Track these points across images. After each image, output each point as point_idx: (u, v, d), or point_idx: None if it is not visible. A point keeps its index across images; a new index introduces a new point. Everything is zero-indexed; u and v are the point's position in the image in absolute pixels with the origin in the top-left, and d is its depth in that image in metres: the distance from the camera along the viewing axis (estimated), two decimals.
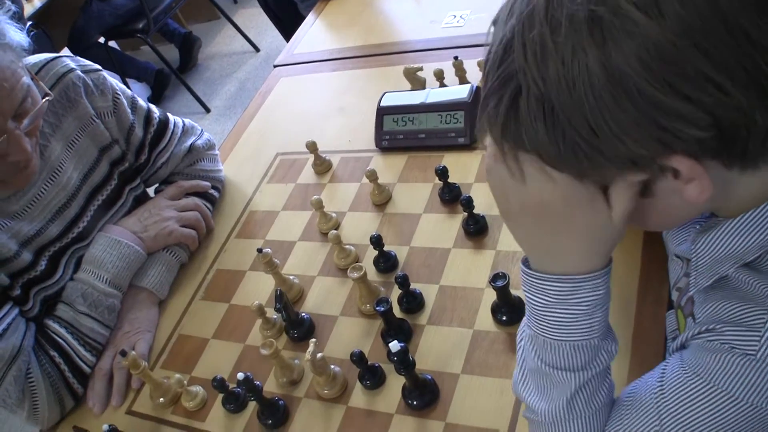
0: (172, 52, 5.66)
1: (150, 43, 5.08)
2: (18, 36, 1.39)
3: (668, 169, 0.75)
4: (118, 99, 1.74)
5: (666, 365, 0.90)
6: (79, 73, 1.67)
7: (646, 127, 0.70)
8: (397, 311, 1.44)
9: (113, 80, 1.77)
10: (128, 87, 5.13)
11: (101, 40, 5.26)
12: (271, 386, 1.44)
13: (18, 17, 1.43)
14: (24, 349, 1.51)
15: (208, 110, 5.25)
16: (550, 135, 0.74)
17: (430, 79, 1.96)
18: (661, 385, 0.88)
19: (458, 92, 1.80)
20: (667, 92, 0.68)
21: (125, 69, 5.34)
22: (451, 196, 1.63)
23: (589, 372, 0.92)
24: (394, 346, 1.19)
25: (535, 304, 0.93)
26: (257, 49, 5.77)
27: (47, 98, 1.46)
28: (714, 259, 0.86)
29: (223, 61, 5.86)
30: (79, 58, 1.72)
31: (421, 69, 1.96)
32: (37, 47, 1.49)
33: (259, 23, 5.89)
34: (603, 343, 0.92)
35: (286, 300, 1.46)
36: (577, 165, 0.77)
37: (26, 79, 1.40)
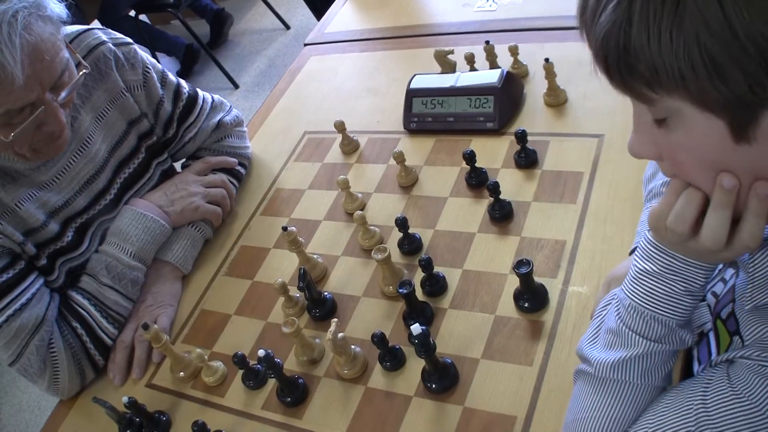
0: (202, 28, 5.65)
1: (180, 17, 5.09)
2: (57, 7, 1.40)
3: None
4: (148, 73, 1.75)
5: (711, 379, 0.89)
6: (111, 45, 1.67)
7: None
8: (419, 294, 1.44)
9: (144, 54, 1.77)
10: (158, 61, 5.16)
11: (132, 13, 5.28)
12: (291, 364, 1.45)
13: None
14: (47, 320, 1.52)
15: (236, 86, 5.25)
16: (672, 36, 0.68)
17: (461, 63, 1.95)
18: (705, 399, 0.87)
19: (489, 77, 1.79)
20: None
21: (155, 43, 5.34)
22: (478, 181, 1.63)
23: (659, 346, 0.95)
24: (416, 329, 1.19)
25: (640, 269, 0.95)
26: (287, 27, 5.75)
27: (84, 71, 1.47)
28: None
29: (252, 37, 5.85)
30: (110, 30, 1.73)
31: (452, 52, 1.95)
32: (71, 18, 1.49)
33: (289, 1, 5.88)
34: (679, 329, 0.95)
35: (309, 279, 1.46)
36: (694, 81, 0.70)
37: (65, 52, 1.41)
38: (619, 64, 0.74)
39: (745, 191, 0.78)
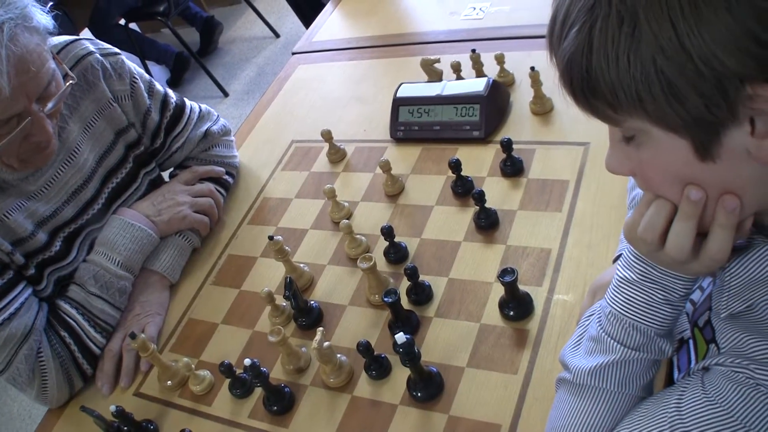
0: (192, 35, 5.66)
1: (170, 25, 5.09)
2: (44, 18, 1.40)
3: (746, 114, 0.70)
4: (136, 83, 1.75)
5: (686, 386, 0.90)
6: (98, 56, 1.68)
7: (741, 38, 0.66)
8: (405, 303, 1.45)
9: (131, 64, 1.78)
10: (147, 69, 5.13)
11: (122, 21, 5.28)
12: (277, 373, 1.45)
13: (43, 1, 1.44)
14: (36, 329, 1.53)
15: (226, 94, 5.25)
16: (629, 59, 0.71)
17: (447, 71, 1.96)
18: (679, 406, 0.88)
19: (475, 85, 1.80)
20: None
21: (145, 51, 5.35)
22: (464, 189, 1.64)
23: (637, 354, 0.96)
24: (400, 338, 1.20)
25: (621, 277, 0.97)
26: (277, 35, 5.76)
27: (70, 82, 1.47)
28: (749, 281, 0.86)
29: (242, 45, 5.86)
30: (98, 41, 1.73)
31: (438, 61, 1.96)
32: (58, 29, 1.50)
33: (279, 9, 5.89)
34: (659, 338, 0.96)
35: (296, 288, 1.46)
36: (652, 103, 0.73)
37: (51, 62, 1.41)
38: (582, 86, 0.77)
39: (713, 204, 0.80)
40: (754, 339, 0.84)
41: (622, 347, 0.96)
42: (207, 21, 5.65)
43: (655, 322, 0.94)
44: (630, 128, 0.79)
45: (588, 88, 0.76)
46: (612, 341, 0.97)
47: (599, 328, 1.00)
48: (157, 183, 1.88)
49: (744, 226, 0.83)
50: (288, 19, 5.76)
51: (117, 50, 1.75)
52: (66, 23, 4.69)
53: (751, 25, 0.65)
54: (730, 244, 0.81)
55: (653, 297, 0.93)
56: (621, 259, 0.99)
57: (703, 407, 0.85)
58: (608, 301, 0.99)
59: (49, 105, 1.41)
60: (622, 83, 0.73)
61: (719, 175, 0.77)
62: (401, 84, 1.92)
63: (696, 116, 0.71)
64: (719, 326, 0.91)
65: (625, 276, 0.96)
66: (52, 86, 1.41)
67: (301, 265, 1.62)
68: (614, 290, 0.98)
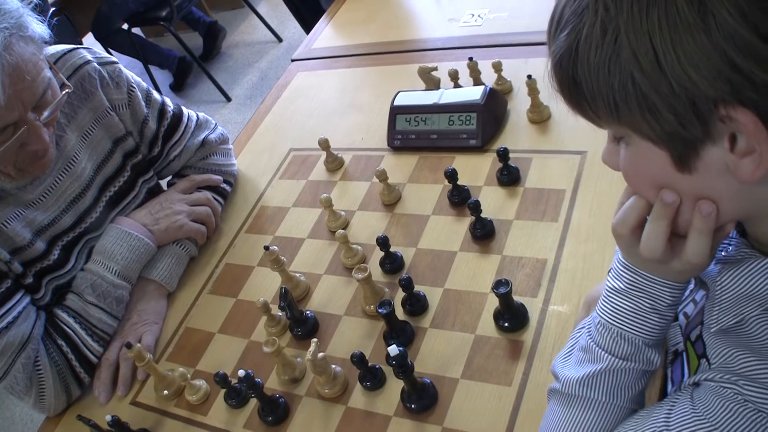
0: (195, 40, 5.67)
1: (172, 30, 5.09)
2: (39, 28, 1.41)
3: (726, 130, 0.71)
4: (133, 92, 1.76)
5: (675, 401, 0.89)
6: (96, 65, 1.69)
7: (717, 61, 0.66)
8: (400, 313, 1.45)
9: (129, 73, 1.78)
10: (150, 74, 5.10)
11: (125, 26, 5.28)
12: (272, 383, 1.45)
13: (40, 9, 1.44)
14: (34, 337, 1.53)
15: (229, 99, 5.26)
16: (609, 69, 0.72)
17: (445, 79, 1.96)
18: (667, 420, 0.87)
19: (472, 94, 1.80)
20: (745, 26, 0.65)
21: (148, 56, 5.35)
22: (460, 199, 1.64)
23: (625, 363, 0.96)
24: (393, 350, 1.20)
25: (610, 287, 0.98)
26: (280, 40, 5.77)
27: (66, 90, 1.48)
28: (740, 295, 0.85)
29: (245, 50, 5.86)
30: (96, 50, 1.74)
31: (435, 69, 1.96)
32: (60, 34, 1.50)
33: (282, 13, 5.89)
34: (647, 348, 0.96)
35: (291, 298, 1.46)
36: (628, 114, 0.74)
37: (47, 71, 1.42)
38: (569, 87, 0.78)
39: (690, 208, 0.81)
40: (743, 354, 0.84)
41: (611, 356, 0.97)
42: (210, 26, 5.66)
43: (643, 332, 0.95)
44: (614, 130, 0.82)
45: (573, 90, 0.78)
46: (600, 350, 0.98)
47: (589, 338, 1.00)
48: (154, 191, 1.88)
49: (723, 230, 0.84)
50: (290, 24, 5.76)
51: (114, 59, 1.76)
52: (68, 29, 4.70)
53: (727, 48, 0.65)
54: (708, 248, 0.82)
55: (640, 306, 0.94)
56: (611, 269, 0.99)
57: (690, 422, 0.85)
58: (598, 311, 0.99)
59: (45, 114, 1.42)
60: (601, 91, 0.74)
61: (697, 185, 0.78)
62: (398, 92, 1.92)
63: (670, 132, 0.72)
64: (710, 341, 0.91)
65: (613, 286, 0.97)
66: (48, 95, 1.42)
67: (297, 274, 1.62)
68: (603, 300, 0.99)
